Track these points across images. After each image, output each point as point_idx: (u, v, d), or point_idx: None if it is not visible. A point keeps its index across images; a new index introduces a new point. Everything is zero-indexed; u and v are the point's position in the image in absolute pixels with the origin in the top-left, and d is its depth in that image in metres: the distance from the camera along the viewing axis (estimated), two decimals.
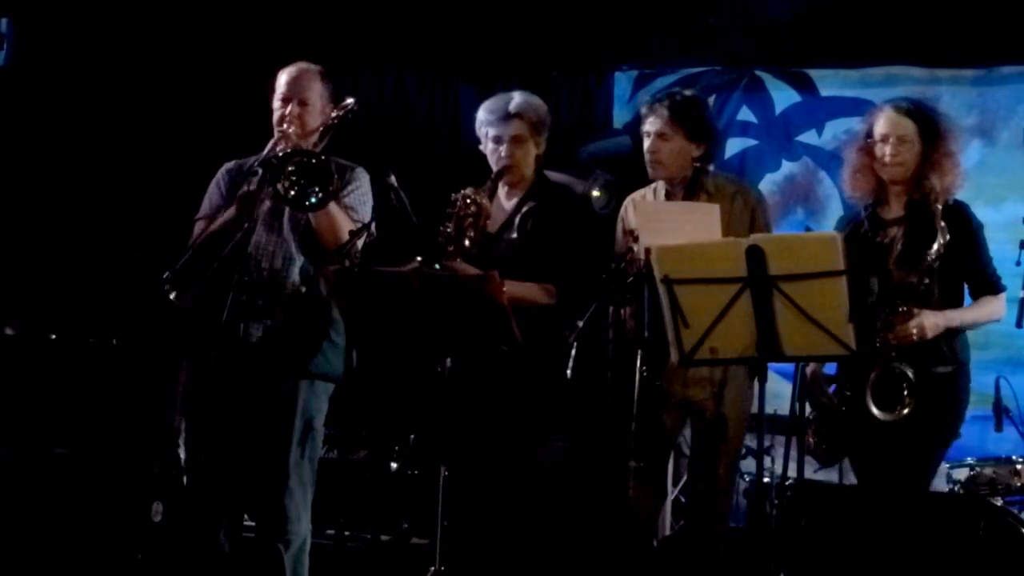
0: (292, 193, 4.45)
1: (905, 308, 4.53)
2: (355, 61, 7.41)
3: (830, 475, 5.79)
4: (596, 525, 5.02)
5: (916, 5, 6.72)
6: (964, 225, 4.65)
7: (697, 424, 4.91)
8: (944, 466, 5.31)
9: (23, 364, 6.30)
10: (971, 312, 4.70)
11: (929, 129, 4.71)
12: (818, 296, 4.07)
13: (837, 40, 6.89)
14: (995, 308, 4.72)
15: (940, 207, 4.59)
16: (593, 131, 7.29)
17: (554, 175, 5.09)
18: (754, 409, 4.82)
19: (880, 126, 4.73)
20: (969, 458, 5.47)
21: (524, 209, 4.90)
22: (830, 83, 7.09)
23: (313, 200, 4.46)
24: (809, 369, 4.70)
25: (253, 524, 4.78)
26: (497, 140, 4.89)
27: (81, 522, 5.65)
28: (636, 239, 4.68)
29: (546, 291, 4.78)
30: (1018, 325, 4.55)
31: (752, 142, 7.24)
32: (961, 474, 5.43)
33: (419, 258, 4.50)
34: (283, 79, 4.75)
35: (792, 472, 4.98)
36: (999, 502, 5.25)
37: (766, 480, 5.13)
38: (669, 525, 5.79)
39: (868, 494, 4.72)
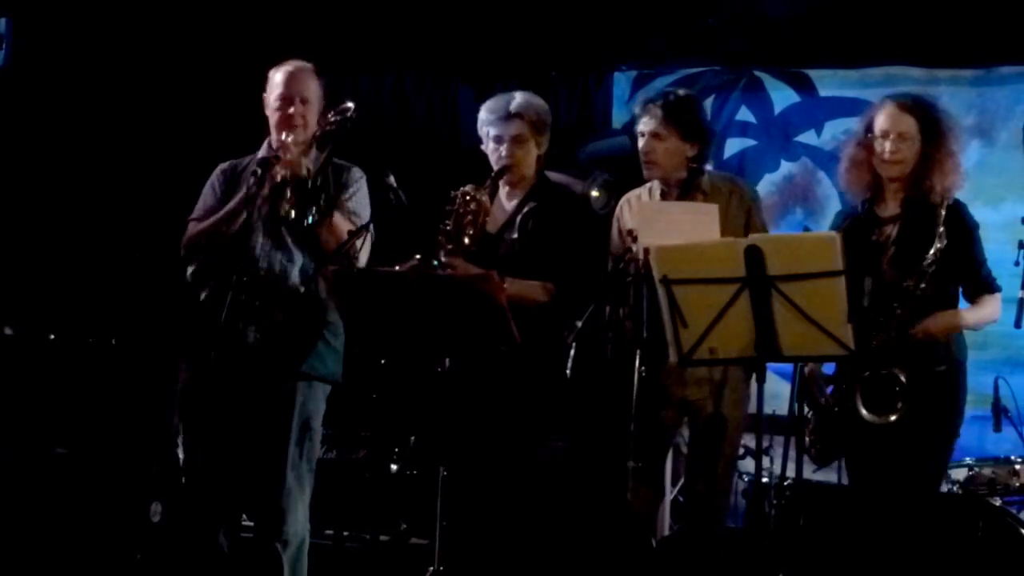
0: (293, 213, 4.45)
1: (901, 311, 4.51)
2: (354, 62, 7.41)
3: (829, 475, 5.79)
4: (595, 525, 5.02)
5: (915, 5, 6.72)
6: (961, 225, 4.63)
7: (694, 424, 4.91)
8: None
9: (22, 364, 6.30)
10: (976, 313, 4.68)
11: (931, 126, 4.66)
12: (817, 296, 4.07)
13: (836, 40, 6.90)
14: (994, 309, 4.70)
15: (943, 211, 4.55)
16: (592, 131, 7.29)
17: (553, 175, 5.09)
18: (753, 409, 4.82)
19: (881, 122, 4.67)
20: (968, 458, 5.47)
21: (525, 209, 4.90)
22: (829, 83, 7.10)
23: (311, 220, 4.46)
24: (807, 368, 4.70)
25: (251, 524, 4.79)
26: (498, 140, 4.89)
27: (80, 522, 5.65)
28: (635, 239, 4.68)
29: (547, 290, 4.78)
30: (1017, 325, 4.53)
31: (751, 142, 7.25)
32: (960, 474, 5.43)
33: (418, 256, 4.51)
34: (279, 78, 4.73)
35: (791, 472, 4.98)
36: (998, 502, 5.25)
37: (765, 480, 5.12)
38: (668, 526, 5.79)
39: (867, 494, 4.72)
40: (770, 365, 4.31)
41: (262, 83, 4.80)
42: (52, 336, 6.41)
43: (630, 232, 4.77)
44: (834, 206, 6.60)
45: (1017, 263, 4.53)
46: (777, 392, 4.90)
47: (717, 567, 4.87)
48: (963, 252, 4.62)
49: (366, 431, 6.31)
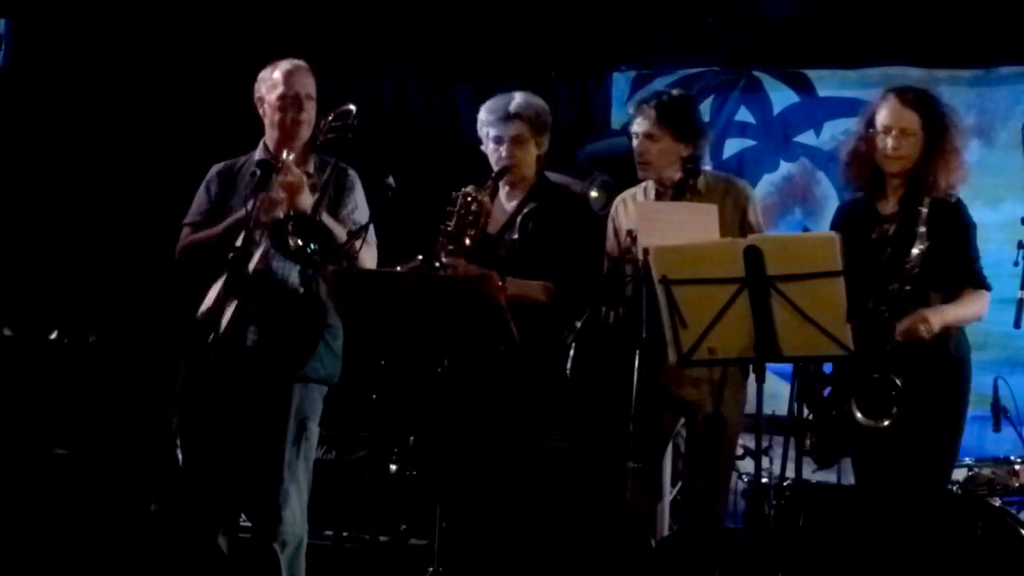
0: (298, 244, 4.43)
1: (888, 314, 4.47)
2: (354, 62, 7.41)
3: (828, 476, 5.79)
4: (594, 526, 5.02)
5: (914, 6, 6.72)
6: (957, 222, 4.59)
7: (692, 424, 4.92)
8: None
9: (21, 365, 6.30)
10: (958, 310, 4.58)
11: (934, 121, 4.60)
12: (816, 296, 4.07)
13: (835, 41, 6.90)
14: (980, 306, 4.63)
15: (925, 210, 4.50)
16: (591, 132, 7.29)
17: (553, 176, 5.10)
18: (751, 409, 4.82)
19: (883, 116, 4.62)
20: (967, 458, 5.46)
21: (525, 210, 4.90)
22: (828, 83, 7.10)
23: (312, 248, 4.44)
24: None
25: (249, 524, 4.79)
26: (498, 140, 4.89)
27: (78, 522, 5.65)
28: (634, 239, 4.69)
29: (547, 290, 4.78)
30: (1016, 326, 4.51)
31: (750, 142, 7.25)
32: (959, 474, 5.42)
33: (420, 257, 4.51)
34: (278, 76, 4.68)
35: (790, 473, 4.97)
36: (997, 502, 5.25)
37: (764, 481, 5.12)
38: (668, 526, 5.78)
39: (866, 494, 4.71)
40: (769, 365, 4.31)
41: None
42: (51, 337, 6.41)
43: (629, 232, 4.78)
44: (833, 206, 6.58)
45: (1016, 263, 4.51)
46: (776, 392, 4.90)
47: (717, 567, 4.87)
48: (955, 247, 4.57)
49: (366, 432, 6.31)
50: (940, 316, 4.52)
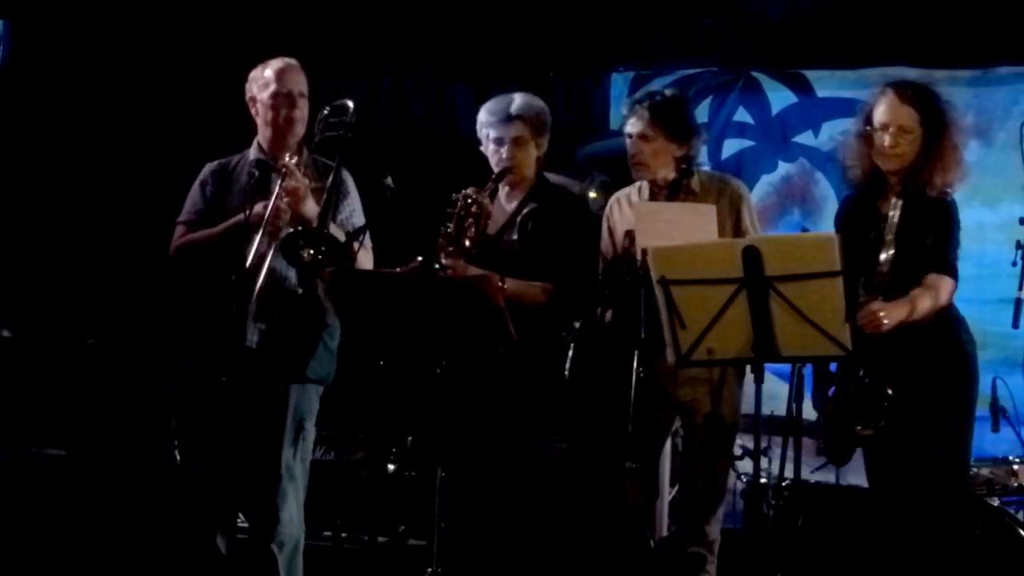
0: (311, 255, 4.42)
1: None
2: (353, 63, 7.41)
3: (827, 476, 5.79)
4: (593, 526, 5.02)
5: (912, 6, 6.72)
6: (941, 217, 4.48)
7: (687, 424, 4.92)
8: None
9: (19, 366, 6.29)
10: (918, 300, 4.40)
11: (933, 118, 4.51)
12: (814, 297, 4.06)
13: (833, 41, 6.89)
14: (941, 291, 4.43)
15: (896, 213, 4.41)
16: (590, 132, 7.28)
17: (552, 176, 5.10)
18: (746, 409, 4.82)
19: (880, 113, 4.54)
20: None
21: (525, 211, 4.91)
22: (826, 84, 7.10)
23: (325, 266, 4.44)
24: None
25: (247, 525, 4.79)
26: (498, 142, 4.89)
27: (76, 523, 5.65)
28: (632, 239, 4.69)
29: (546, 291, 4.78)
30: (1015, 326, 4.51)
31: (748, 143, 7.25)
32: None
33: (420, 258, 4.51)
34: (270, 75, 4.67)
35: (788, 473, 4.98)
36: (996, 502, 5.25)
37: (763, 481, 5.13)
38: (667, 526, 5.78)
39: (864, 495, 4.70)
40: (768, 365, 4.30)
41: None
42: (49, 338, 6.40)
43: (627, 232, 4.78)
44: (831, 206, 6.60)
45: (1015, 263, 4.51)
46: (775, 393, 4.90)
47: (714, 567, 4.88)
48: (935, 231, 4.45)
49: (364, 432, 6.31)
50: (896, 310, 4.37)
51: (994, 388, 5.66)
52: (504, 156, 4.87)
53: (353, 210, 4.73)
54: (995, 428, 5.72)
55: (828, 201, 6.85)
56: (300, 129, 4.67)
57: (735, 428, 4.97)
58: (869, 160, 4.58)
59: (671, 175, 4.87)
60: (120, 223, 7.25)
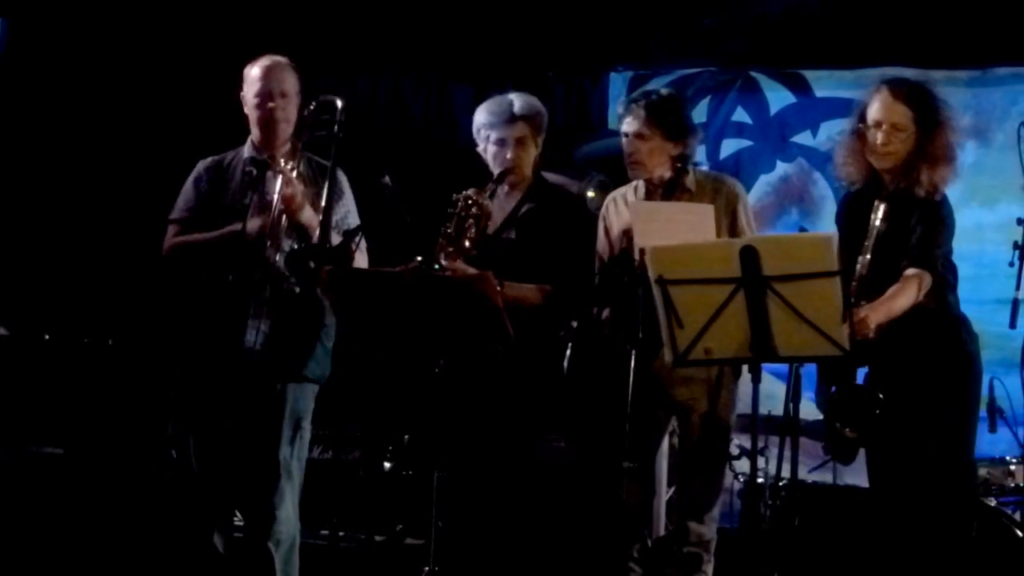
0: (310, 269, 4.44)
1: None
2: (352, 62, 7.41)
3: (824, 476, 5.80)
4: (590, 525, 5.02)
5: (911, 6, 6.72)
6: (929, 213, 4.44)
7: (684, 423, 4.92)
8: None
9: (16, 363, 6.29)
10: (895, 299, 4.37)
11: (926, 117, 4.49)
12: (812, 297, 4.06)
13: (832, 41, 6.90)
14: (916, 287, 4.39)
15: (880, 220, 4.39)
16: (588, 132, 7.29)
17: (550, 176, 5.10)
18: (742, 409, 4.82)
19: (874, 111, 4.52)
20: None
21: (523, 210, 4.91)
22: (825, 84, 7.10)
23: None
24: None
25: (242, 523, 4.79)
26: (501, 143, 4.88)
27: (73, 521, 5.65)
28: (630, 239, 4.69)
29: (542, 292, 4.79)
30: (1012, 326, 4.51)
31: (747, 143, 7.25)
32: None
33: (420, 258, 4.51)
34: (256, 73, 4.68)
35: (786, 473, 4.98)
36: (993, 503, 5.25)
37: (760, 481, 5.13)
38: (664, 525, 5.79)
39: (861, 495, 4.70)
40: (765, 365, 4.30)
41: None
42: (46, 336, 6.40)
43: (625, 232, 4.78)
44: (830, 206, 6.61)
45: (1012, 264, 4.51)
46: (772, 392, 4.90)
47: (710, 567, 4.88)
48: (921, 232, 4.42)
49: (361, 431, 6.31)
50: (875, 314, 4.34)
51: (991, 389, 5.66)
52: (508, 157, 4.87)
53: (348, 211, 4.73)
54: (992, 428, 5.72)
55: (826, 201, 6.85)
56: (284, 129, 4.67)
57: (731, 428, 4.97)
58: (863, 158, 4.56)
59: (667, 174, 4.87)
60: (118, 220, 7.25)
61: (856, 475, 5.19)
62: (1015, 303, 4.47)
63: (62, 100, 7.53)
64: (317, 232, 4.47)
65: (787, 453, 4.80)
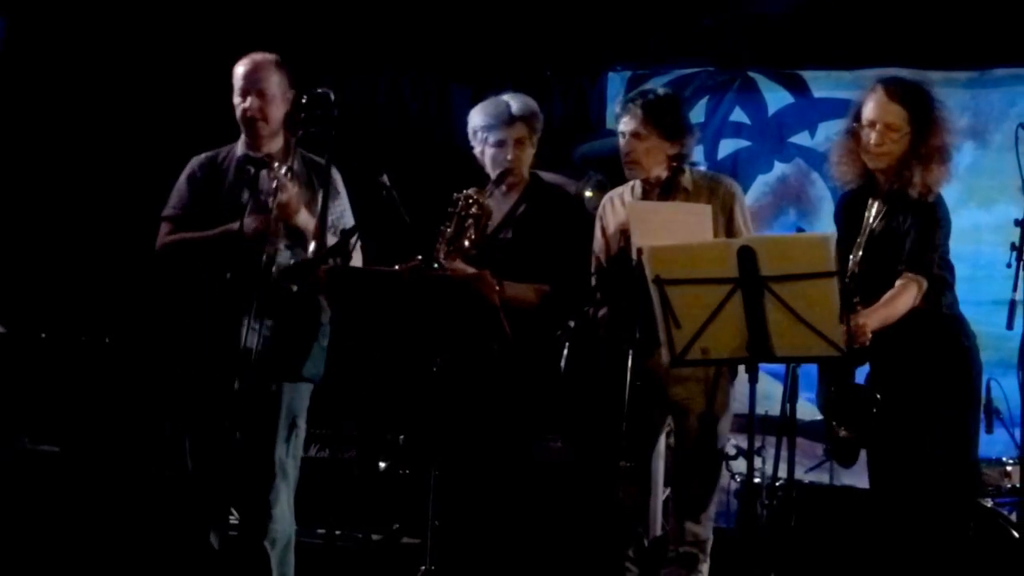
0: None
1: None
2: (349, 62, 7.41)
3: (821, 476, 5.80)
4: (586, 525, 5.02)
5: (909, 7, 6.72)
6: (923, 215, 4.43)
7: (680, 423, 4.92)
8: None
9: (13, 361, 6.29)
10: (889, 306, 4.37)
11: (921, 117, 4.47)
12: (809, 297, 4.06)
13: (830, 41, 6.90)
14: (911, 294, 4.39)
15: (874, 221, 4.39)
16: (586, 131, 7.29)
17: (547, 175, 5.10)
18: (739, 409, 4.83)
19: (868, 110, 4.50)
20: None
21: (521, 210, 4.91)
22: (823, 84, 7.10)
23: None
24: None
25: (238, 522, 4.79)
26: (500, 144, 4.89)
27: (70, 519, 5.65)
28: (627, 238, 4.69)
29: (539, 292, 4.79)
30: (1009, 327, 4.51)
31: (745, 143, 7.25)
32: None
33: (419, 257, 4.51)
34: (237, 72, 4.71)
35: (782, 473, 4.98)
36: (989, 503, 5.25)
37: (756, 481, 5.13)
38: (660, 525, 5.79)
39: (859, 495, 4.70)
40: (762, 365, 4.30)
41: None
42: (43, 335, 6.40)
43: (622, 232, 4.78)
44: (827, 207, 6.61)
45: (1009, 265, 4.51)
46: (769, 392, 4.90)
47: (706, 566, 4.88)
48: (915, 235, 4.41)
49: (357, 430, 6.30)
50: (871, 319, 4.34)
51: (988, 389, 5.64)
52: (508, 157, 4.88)
53: (343, 210, 4.73)
54: (989, 429, 5.70)
55: (824, 202, 6.85)
56: (262, 127, 4.67)
57: (726, 427, 4.97)
58: (858, 157, 4.55)
59: (664, 174, 4.87)
60: (116, 219, 7.24)
61: (853, 476, 5.19)
62: (1012, 304, 4.46)
63: (61, 99, 7.52)
64: (312, 235, 4.48)
65: (784, 453, 4.81)
